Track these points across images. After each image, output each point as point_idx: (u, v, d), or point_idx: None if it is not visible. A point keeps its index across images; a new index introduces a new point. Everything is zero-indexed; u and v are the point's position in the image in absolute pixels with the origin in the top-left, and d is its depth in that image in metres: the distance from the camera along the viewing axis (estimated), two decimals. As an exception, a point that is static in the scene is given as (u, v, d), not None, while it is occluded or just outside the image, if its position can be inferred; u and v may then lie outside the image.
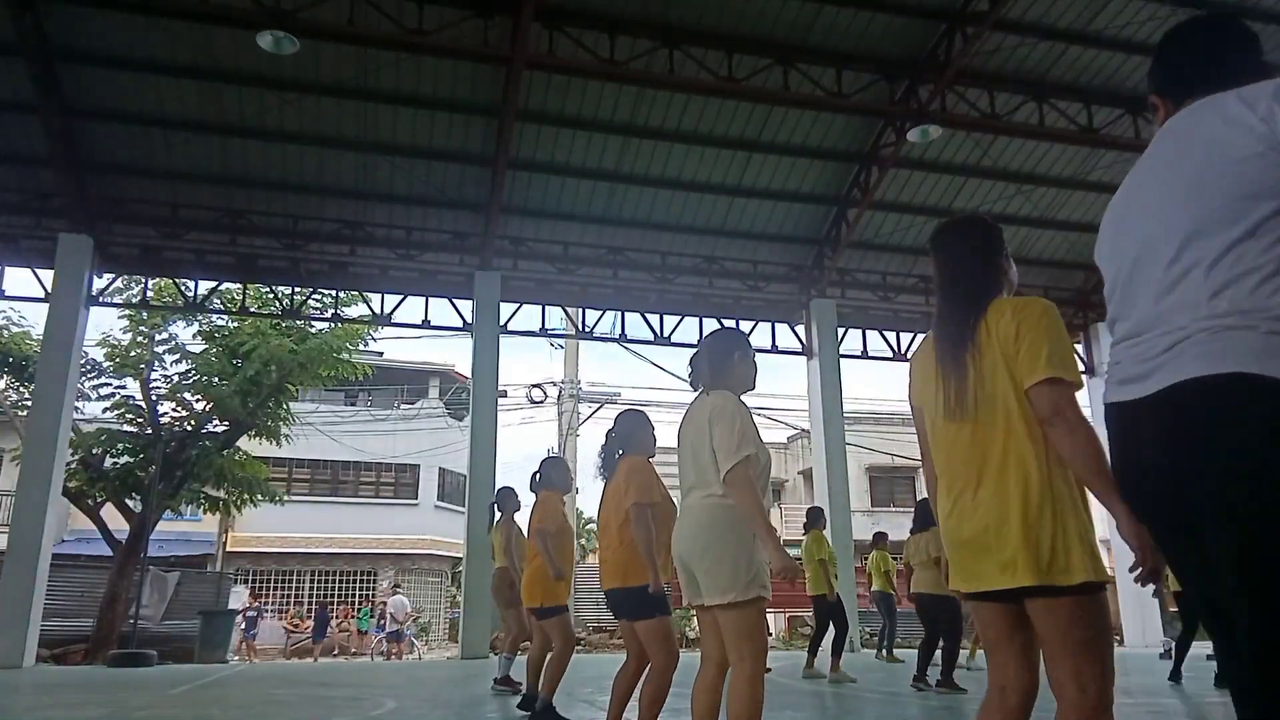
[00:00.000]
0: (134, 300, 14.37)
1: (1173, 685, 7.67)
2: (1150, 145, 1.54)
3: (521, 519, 8.02)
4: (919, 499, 10.20)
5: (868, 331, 16.38)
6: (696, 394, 3.29)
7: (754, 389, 3.26)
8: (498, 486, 13.17)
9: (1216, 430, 1.21)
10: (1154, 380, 1.30)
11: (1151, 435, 1.32)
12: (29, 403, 13.89)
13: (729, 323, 15.66)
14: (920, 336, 16.12)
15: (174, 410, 16.06)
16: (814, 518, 9.70)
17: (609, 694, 4.09)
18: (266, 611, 23.09)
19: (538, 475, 5.87)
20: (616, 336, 15.78)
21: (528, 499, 6.09)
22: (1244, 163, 1.29)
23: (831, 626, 9.16)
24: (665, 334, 15.48)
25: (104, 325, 66.28)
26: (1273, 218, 1.25)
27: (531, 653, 5.83)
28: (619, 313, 15.50)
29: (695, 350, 3.38)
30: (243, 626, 19.13)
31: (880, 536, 12.50)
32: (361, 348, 17.32)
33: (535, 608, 5.53)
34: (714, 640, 3.06)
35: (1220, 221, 1.29)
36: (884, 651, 12.35)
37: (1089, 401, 17.11)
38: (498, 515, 7.81)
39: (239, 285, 14.92)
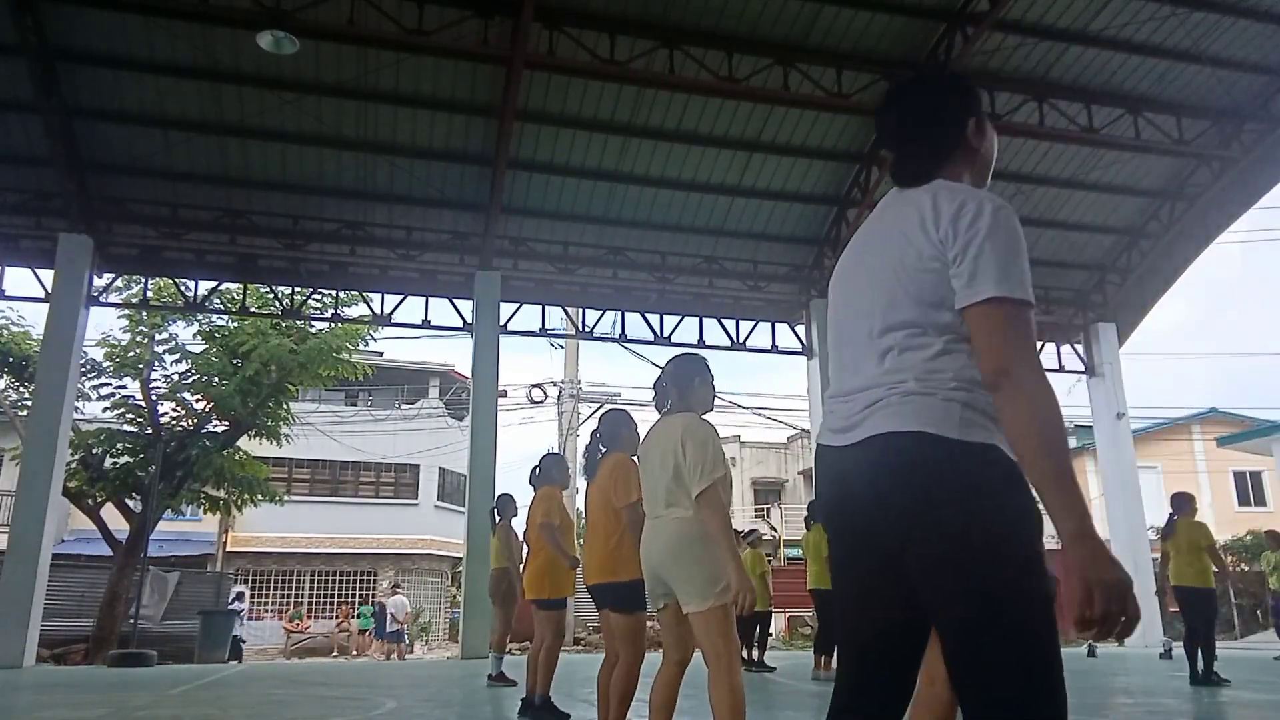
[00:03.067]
0: (134, 300, 14.36)
1: (1196, 688, 7.57)
2: (874, 212, 1.74)
3: (518, 522, 8.14)
4: None
5: (868, 331, 16.35)
6: (660, 415, 3.50)
7: (713, 410, 3.51)
8: (497, 491, 13.30)
9: (902, 477, 1.49)
10: (857, 433, 1.55)
11: (854, 476, 1.56)
12: (29, 403, 13.89)
13: (729, 323, 15.71)
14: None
15: (174, 410, 16.05)
16: (815, 512, 9.72)
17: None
18: (266, 612, 23.12)
19: (537, 471, 5.95)
20: (616, 336, 15.78)
21: (527, 495, 6.14)
22: (924, 272, 1.53)
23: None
24: (665, 334, 15.48)
25: (104, 325, 66.34)
26: (945, 316, 1.52)
27: (531, 651, 5.85)
28: (619, 313, 15.50)
29: (658, 375, 3.60)
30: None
31: None
32: (361, 348, 17.30)
33: (539, 599, 5.57)
34: (673, 640, 3.32)
35: (908, 311, 1.55)
36: None
37: (1089, 401, 17.14)
38: (497, 519, 7.96)
39: (239, 285, 14.91)
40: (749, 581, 3.09)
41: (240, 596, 20.52)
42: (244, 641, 18.43)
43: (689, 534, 3.19)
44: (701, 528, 3.16)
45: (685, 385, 3.46)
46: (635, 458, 4.08)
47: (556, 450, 23.00)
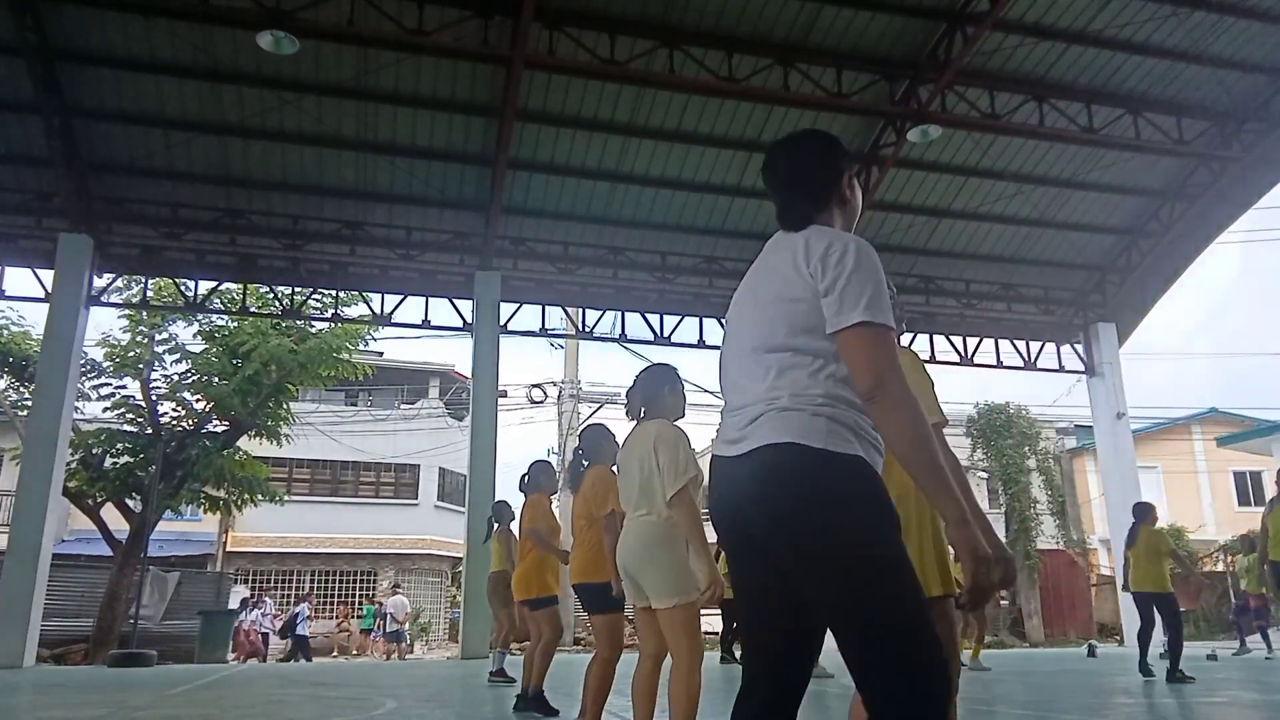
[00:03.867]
0: (134, 300, 14.36)
1: (1169, 684, 7.66)
2: (764, 249, 1.95)
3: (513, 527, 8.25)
4: None
5: (868, 331, 16.35)
6: (633, 424, 3.71)
7: (684, 417, 3.69)
8: (497, 492, 13.32)
9: (776, 484, 1.66)
10: (743, 445, 1.73)
11: (743, 486, 1.72)
12: (29, 403, 13.89)
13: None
14: (920, 336, 16.15)
15: (174, 410, 16.05)
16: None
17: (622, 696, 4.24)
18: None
19: (525, 479, 6.19)
20: (616, 336, 15.77)
21: (517, 500, 6.39)
22: (797, 302, 1.74)
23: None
24: (665, 334, 15.48)
25: (104, 325, 66.28)
26: (814, 342, 1.73)
27: (529, 650, 5.95)
28: (619, 313, 15.50)
29: (630, 385, 3.76)
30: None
31: None
32: (361, 348, 17.31)
33: (528, 599, 5.81)
34: (649, 637, 3.51)
35: (784, 337, 1.75)
36: None
37: (1089, 401, 17.13)
38: (495, 526, 8.09)
39: (239, 285, 14.91)
40: (719, 576, 3.30)
41: (305, 599, 20.61)
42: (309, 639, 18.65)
43: (655, 536, 3.39)
44: (667, 529, 3.37)
45: (654, 395, 3.63)
46: (615, 468, 4.28)
47: (557, 451, 23.01)
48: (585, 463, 4.44)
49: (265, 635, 19.03)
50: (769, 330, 1.78)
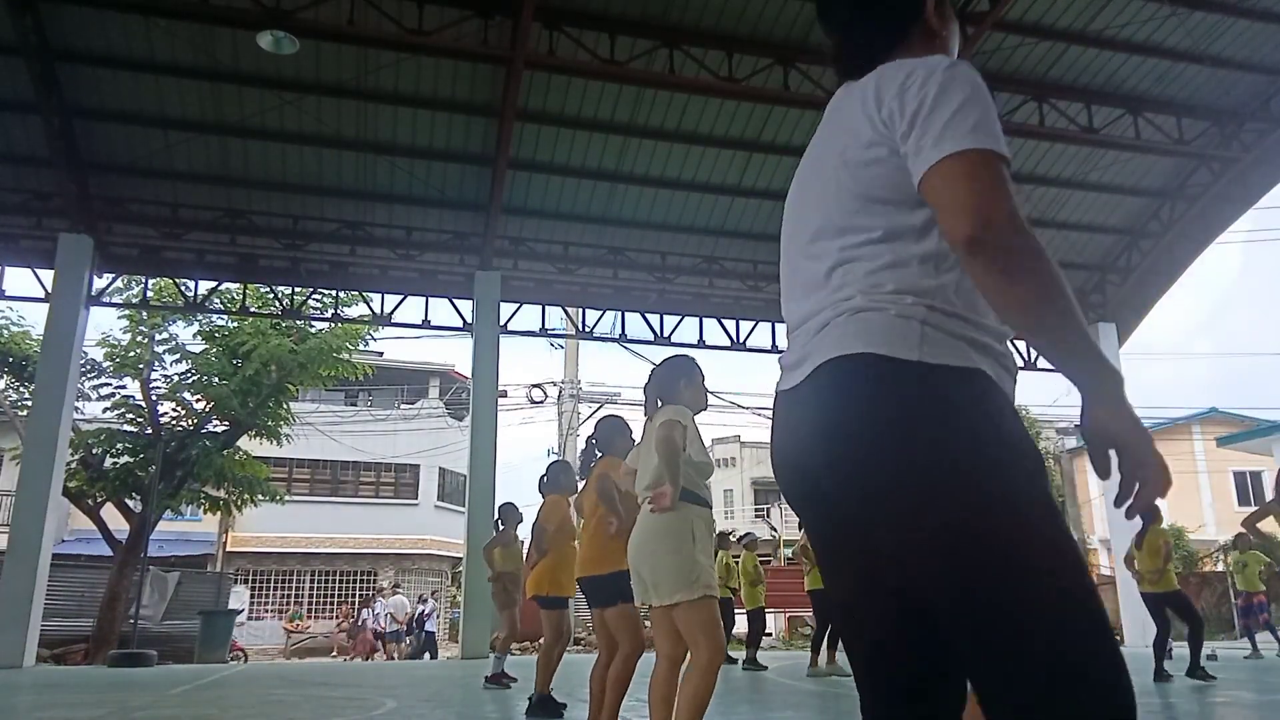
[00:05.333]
0: (134, 300, 14.36)
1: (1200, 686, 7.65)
2: (826, 111, 1.48)
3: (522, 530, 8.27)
4: None
5: (868, 331, 16.37)
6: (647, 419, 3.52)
7: (705, 409, 3.51)
8: (497, 492, 13.31)
9: (848, 411, 1.20)
10: (805, 366, 1.29)
11: (804, 420, 1.28)
12: (29, 403, 13.89)
13: (729, 323, 15.69)
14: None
15: (174, 410, 16.06)
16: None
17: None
18: (266, 612, 23.10)
19: (544, 479, 6.11)
20: (616, 336, 15.78)
21: (527, 499, 6.37)
22: (868, 164, 1.29)
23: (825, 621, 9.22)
24: (665, 334, 15.48)
25: (104, 325, 66.31)
26: (899, 215, 1.27)
27: (541, 651, 5.91)
28: (619, 313, 15.51)
29: (647, 379, 3.59)
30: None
31: None
32: (361, 348, 17.32)
33: (538, 596, 5.74)
34: (665, 637, 3.32)
35: (854, 213, 1.30)
36: None
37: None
38: (502, 528, 8.09)
39: (239, 285, 14.92)
40: (669, 486, 3.16)
41: (426, 599, 20.74)
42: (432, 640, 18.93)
43: (659, 530, 3.22)
44: (671, 523, 3.20)
45: (669, 389, 3.48)
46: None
47: (557, 452, 23.03)
48: (598, 453, 4.34)
49: (379, 632, 19.35)
50: (834, 208, 1.34)
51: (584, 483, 4.41)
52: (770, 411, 1.42)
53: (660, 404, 3.47)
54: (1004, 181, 1.17)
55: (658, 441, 3.20)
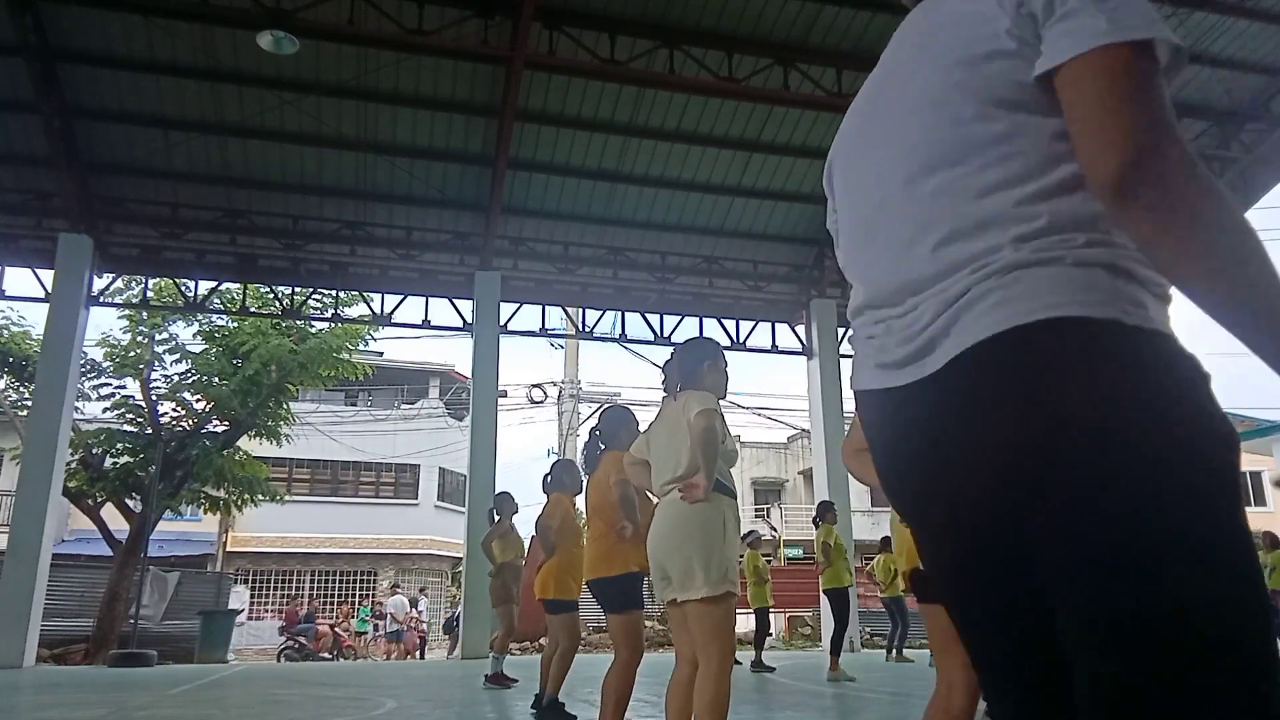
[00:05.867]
0: (134, 300, 14.37)
1: None
2: (884, 55, 1.14)
3: (520, 521, 8.21)
4: None
5: (868, 331, 16.37)
6: (666, 398, 3.39)
7: (725, 396, 3.30)
8: (496, 490, 13.30)
9: (1046, 402, 0.87)
10: (938, 354, 0.94)
11: (947, 422, 0.95)
12: (29, 403, 13.89)
13: (729, 323, 15.70)
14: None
15: (174, 410, 16.06)
16: (823, 511, 9.70)
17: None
18: (266, 612, 23.08)
19: (548, 478, 6.05)
20: (616, 336, 15.79)
21: (529, 497, 6.31)
22: (997, 57, 0.95)
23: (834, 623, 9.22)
24: (665, 334, 15.49)
25: (104, 325, 66.31)
26: (1040, 126, 0.94)
27: (546, 651, 5.87)
28: (619, 313, 15.53)
29: (667, 359, 3.46)
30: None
31: (888, 540, 12.52)
32: (361, 348, 17.32)
33: (545, 599, 5.62)
34: (687, 638, 3.12)
35: (975, 127, 0.96)
36: (894, 652, 12.40)
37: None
38: (497, 518, 8.02)
39: (239, 285, 14.92)
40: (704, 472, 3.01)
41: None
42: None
43: (689, 518, 3.04)
44: (702, 513, 3.03)
45: (692, 372, 3.29)
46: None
47: (557, 452, 23.02)
48: (602, 445, 4.15)
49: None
50: (948, 130, 0.98)
51: (588, 477, 4.24)
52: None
53: (682, 385, 3.30)
54: (1161, 94, 0.88)
55: (700, 431, 3.01)
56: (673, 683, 3.20)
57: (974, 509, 0.96)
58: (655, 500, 3.51)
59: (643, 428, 4.09)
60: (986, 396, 0.91)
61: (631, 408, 4.56)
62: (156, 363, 15.75)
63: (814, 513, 10.03)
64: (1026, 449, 0.88)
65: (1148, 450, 0.85)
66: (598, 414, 4.44)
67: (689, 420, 3.07)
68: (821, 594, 10.14)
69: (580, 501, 5.24)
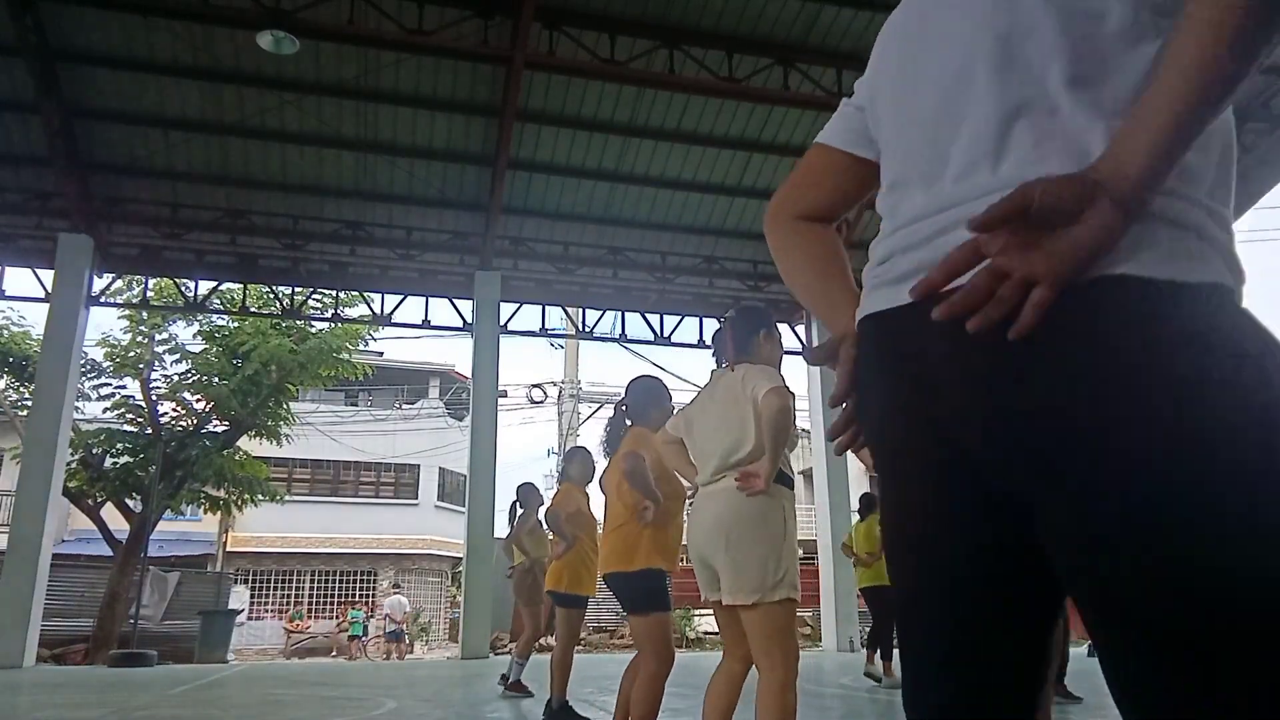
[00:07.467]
0: (134, 300, 14.38)
1: None
2: None
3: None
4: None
5: (868, 331, 16.38)
6: (718, 370, 3.00)
7: (779, 371, 2.94)
8: (498, 491, 13.30)
9: (1098, 361, 0.78)
10: None
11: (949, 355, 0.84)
12: (29, 403, 13.89)
13: (729, 323, 15.68)
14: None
15: (174, 410, 16.07)
16: (867, 504, 9.17)
17: (614, 694, 4.00)
18: (266, 612, 23.08)
19: (561, 469, 6.10)
20: (616, 336, 15.80)
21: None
22: None
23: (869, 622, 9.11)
24: (665, 334, 15.49)
25: (104, 325, 66.28)
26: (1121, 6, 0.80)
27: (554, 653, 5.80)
28: (619, 313, 15.53)
29: (718, 328, 3.11)
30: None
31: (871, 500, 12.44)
32: (361, 348, 17.33)
33: (553, 591, 5.52)
34: (735, 635, 2.79)
35: (1044, 28, 0.83)
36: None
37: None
38: (522, 511, 7.70)
39: (239, 285, 14.93)
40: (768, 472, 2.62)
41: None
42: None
43: (745, 512, 2.64)
44: (760, 505, 2.64)
45: (745, 343, 2.90)
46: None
47: (556, 452, 23.00)
48: (628, 421, 3.70)
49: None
50: (1006, 15, 0.86)
51: (609, 458, 3.76)
52: (883, 309, 0.94)
53: (735, 358, 2.89)
54: None
55: (774, 412, 2.58)
56: (715, 678, 2.86)
57: (951, 451, 0.86)
58: (689, 486, 3.12)
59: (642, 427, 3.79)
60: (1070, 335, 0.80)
61: (655, 376, 4.01)
62: (156, 363, 15.77)
63: (856, 505, 9.80)
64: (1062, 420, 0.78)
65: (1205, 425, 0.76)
66: (628, 384, 3.83)
67: (756, 398, 2.66)
68: (858, 592, 9.75)
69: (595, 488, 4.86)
